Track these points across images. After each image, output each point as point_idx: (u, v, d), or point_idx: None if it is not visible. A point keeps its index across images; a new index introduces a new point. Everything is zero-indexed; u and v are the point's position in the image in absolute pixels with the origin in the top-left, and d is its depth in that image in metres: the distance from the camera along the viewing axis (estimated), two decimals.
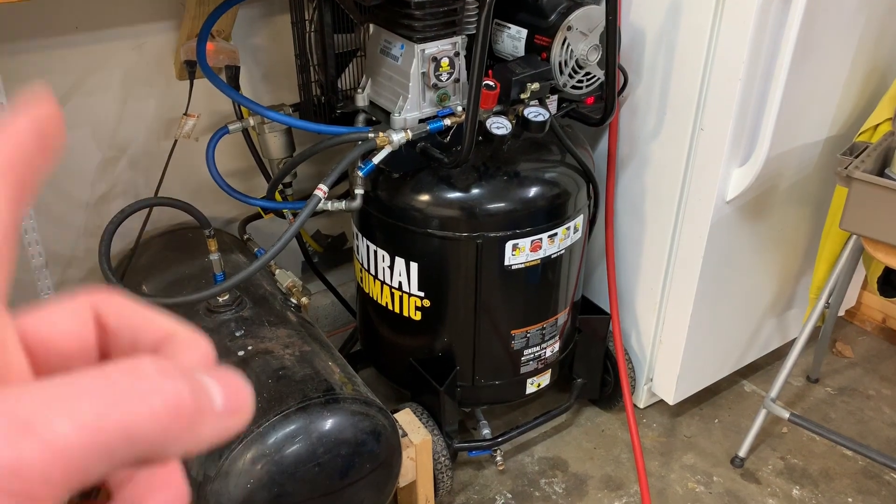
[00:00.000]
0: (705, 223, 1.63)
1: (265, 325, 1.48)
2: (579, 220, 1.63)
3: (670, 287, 1.78)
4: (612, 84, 1.55)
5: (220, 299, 1.50)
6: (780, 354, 2.06)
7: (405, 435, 1.55)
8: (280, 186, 1.69)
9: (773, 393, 1.81)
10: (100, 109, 1.62)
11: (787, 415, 1.78)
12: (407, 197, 1.51)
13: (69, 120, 1.58)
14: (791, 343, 1.82)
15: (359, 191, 1.51)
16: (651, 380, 1.95)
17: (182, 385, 0.21)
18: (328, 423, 1.30)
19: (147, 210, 1.60)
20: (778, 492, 1.81)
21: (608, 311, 1.87)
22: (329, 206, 1.49)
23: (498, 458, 1.78)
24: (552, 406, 1.90)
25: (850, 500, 1.79)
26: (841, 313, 2.30)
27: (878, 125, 1.66)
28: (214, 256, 1.47)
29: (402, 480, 1.54)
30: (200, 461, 1.27)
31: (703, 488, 1.82)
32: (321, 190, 1.32)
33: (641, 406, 2.02)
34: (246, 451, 1.24)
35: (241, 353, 1.40)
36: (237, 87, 1.57)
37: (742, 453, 1.87)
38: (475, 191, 1.49)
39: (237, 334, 1.44)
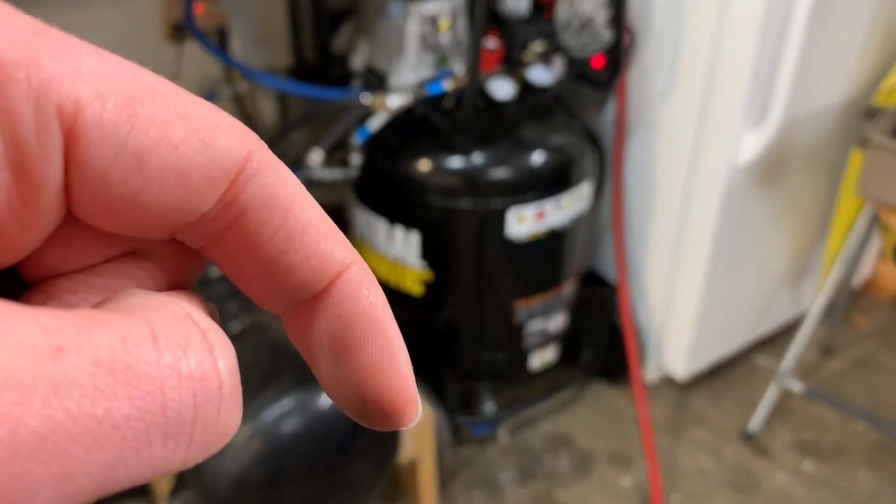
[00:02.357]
0: (717, 189, 1.57)
1: None
2: (585, 188, 1.57)
3: (681, 258, 1.73)
4: (619, 44, 1.48)
5: (214, 271, 1.45)
6: (792, 327, 2.01)
7: None
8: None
9: (786, 366, 1.76)
10: None
11: (799, 388, 1.74)
12: (405, 164, 1.46)
13: None
14: (804, 315, 1.77)
15: (355, 158, 1.45)
16: (660, 354, 1.91)
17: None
18: (326, 399, 1.26)
19: None
20: (789, 466, 1.77)
21: (616, 284, 1.82)
22: (325, 174, 1.44)
23: (502, 435, 1.75)
24: (558, 381, 1.86)
25: (862, 474, 1.75)
26: (856, 284, 2.25)
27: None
28: None
29: (403, 457, 1.50)
30: None
31: (712, 463, 1.78)
32: (315, 156, 1.26)
33: (650, 381, 1.98)
34: (242, 427, 1.20)
35: (235, 326, 1.35)
36: (227, 50, 1.51)
37: (753, 428, 1.83)
38: (476, 157, 1.44)
39: (231, 308, 1.40)
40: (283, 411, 1.22)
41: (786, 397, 1.94)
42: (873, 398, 1.96)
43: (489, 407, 1.76)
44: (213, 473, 1.20)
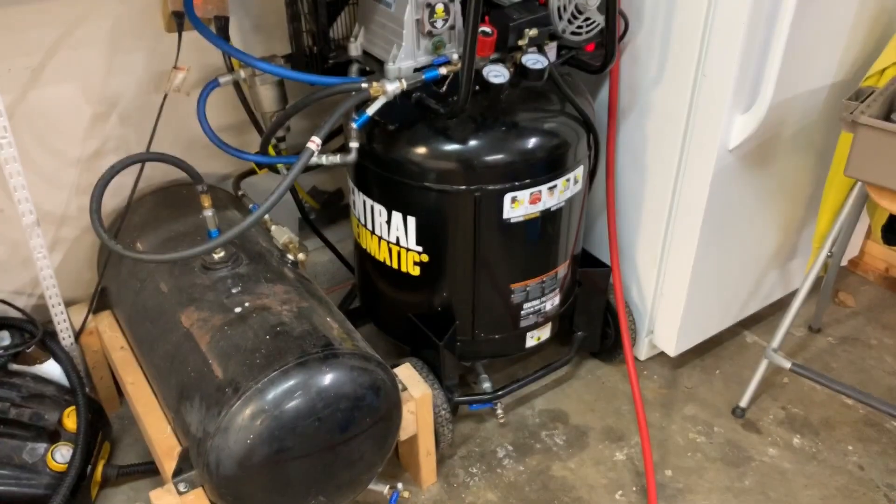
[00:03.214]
0: (707, 172, 1.60)
1: (262, 281, 1.46)
2: (579, 172, 1.60)
3: (672, 238, 1.76)
4: (612, 30, 1.51)
5: (216, 256, 1.48)
6: (782, 305, 2.04)
7: (405, 389, 1.55)
8: (274, 141, 1.66)
9: (775, 343, 1.80)
10: (87, 63, 1.57)
11: (788, 365, 1.78)
12: (403, 149, 1.48)
13: (56, 74, 1.55)
14: (793, 293, 1.81)
15: (354, 144, 1.48)
16: (652, 332, 1.94)
17: None
18: (327, 379, 1.29)
19: (139, 166, 1.58)
20: (779, 441, 1.82)
21: (609, 264, 1.85)
22: (323, 159, 1.46)
23: (499, 412, 1.79)
24: (553, 359, 1.90)
25: (850, 448, 1.79)
26: (844, 263, 2.29)
27: (884, 69, 1.62)
28: (208, 212, 1.45)
29: (403, 434, 1.54)
30: (200, 418, 1.27)
31: (704, 439, 1.82)
32: (314, 142, 1.29)
33: (642, 358, 2.02)
34: (245, 407, 1.23)
35: (238, 309, 1.38)
36: (227, 38, 1.53)
37: (743, 404, 1.87)
38: (472, 142, 1.46)
39: (234, 291, 1.43)
40: (286, 391, 1.26)
41: (775, 374, 1.98)
42: (861, 374, 2.01)
43: (487, 385, 1.80)
44: (217, 453, 1.24)
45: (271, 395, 1.24)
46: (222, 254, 1.48)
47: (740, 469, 1.75)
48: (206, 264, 1.48)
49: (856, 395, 1.75)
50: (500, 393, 1.78)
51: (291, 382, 1.26)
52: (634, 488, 1.70)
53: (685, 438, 1.82)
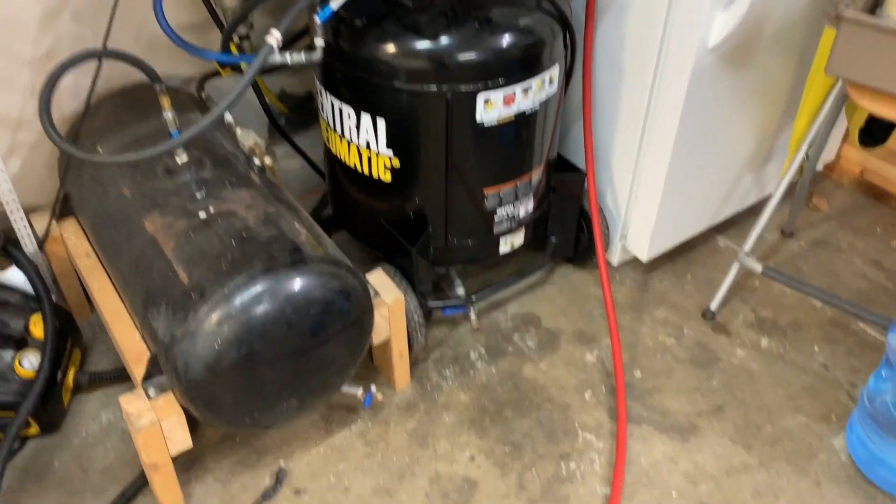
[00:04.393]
0: (686, 72, 1.56)
1: (227, 186, 1.42)
2: (555, 72, 1.55)
3: (647, 141, 1.73)
4: None
5: (179, 160, 1.43)
6: (756, 210, 2.04)
7: (377, 294, 1.54)
8: (237, 40, 1.59)
9: (747, 247, 1.81)
10: None
11: (759, 268, 1.79)
12: (371, 47, 1.42)
13: None
14: (768, 198, 1.80)
15: (319, 41, 1.41)
16: (625, 237, 1.94)
17: None
18: (295, 284, 1.28)
19: (96, 66, 1.50)
20: (747, 342, 1.85)
21: (584, 169, 1.82)
22: (287, 58, 1.40)
23: (472, 316, 1.79)
24: (526, 265, 1.90)
25: (816, 348, 1.83)
26: (819, 167, 2.28)
27: None
28: (168, 114, 1.39)
29: (376, 338, 1.55)
30: (167, 323, 1.26)
31: (673, 341, 1.85)
32: (272, 36, 1.22)
33: (615, 263, 2.02)
34: (212, 312, 1.22)
35: (202, 214, 1.35)
36: None
37: (713, 307, 1.89)
38: (444, 39, 1.40)
39: (197, 196, 1.39)
40: (253, 297, 1.24)
41: (746, 277, 2.00)
42: (830, 277, 2.03)
43: (460, 290, 1.80)
44: (185, 357, 1.23)
45: (238, 300, 1.23)
46: (185, 158, 1.44)
47: (708, 370, 1.78)
48: (169, 168, 1.44)
49: (824, 298, 1.77)
50: (473, 297, 1.78)
51: (259, 288, 1.24)
52: (603, 388, 1.73)
53: (655, 340, 1.85)
